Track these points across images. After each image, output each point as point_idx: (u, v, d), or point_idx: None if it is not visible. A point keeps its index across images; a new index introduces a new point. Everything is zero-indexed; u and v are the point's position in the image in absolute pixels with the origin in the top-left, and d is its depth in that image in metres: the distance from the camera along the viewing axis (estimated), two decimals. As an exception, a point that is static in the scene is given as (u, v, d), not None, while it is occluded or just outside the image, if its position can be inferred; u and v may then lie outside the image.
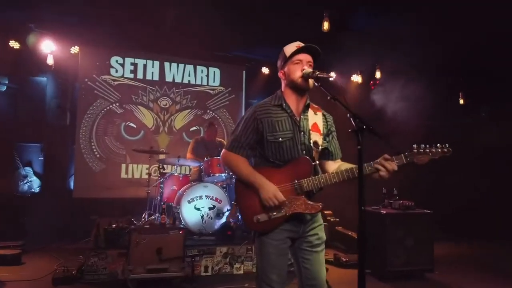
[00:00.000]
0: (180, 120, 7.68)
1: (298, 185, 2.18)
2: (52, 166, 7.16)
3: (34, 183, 7.28)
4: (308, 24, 5.75)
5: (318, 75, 2.17)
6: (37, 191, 7.25)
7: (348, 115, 1.94)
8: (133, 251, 3.97)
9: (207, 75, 7.90)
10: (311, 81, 2.24)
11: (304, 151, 2.24)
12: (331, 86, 1.99)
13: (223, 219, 5.04)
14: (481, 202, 6.86)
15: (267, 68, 7.72)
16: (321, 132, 2.32)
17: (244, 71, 8.16)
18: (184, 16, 6.16)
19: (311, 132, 2.27)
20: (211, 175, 5.24)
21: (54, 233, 6.14)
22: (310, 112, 2.34)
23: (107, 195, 7.00)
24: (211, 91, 7.93)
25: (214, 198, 5.06)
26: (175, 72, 7.68)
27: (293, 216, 2.19)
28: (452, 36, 5.50)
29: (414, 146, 2.10)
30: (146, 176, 5.91)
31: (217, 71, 7.96)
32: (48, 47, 6.37)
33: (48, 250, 5.42)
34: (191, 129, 7.71)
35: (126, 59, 7.38)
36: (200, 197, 5.00)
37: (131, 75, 7.37)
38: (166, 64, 7.63)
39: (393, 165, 2.07)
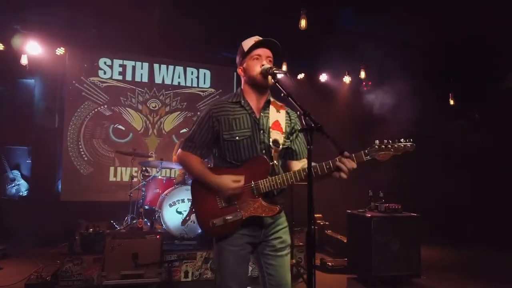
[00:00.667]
0: (170, 122, 7.58)
1: (255, 186, 2.07)
2: (40, 169, 7.07)
3: (22, 187, 7.22)
4: (298, 24, 5.65)
5: (275, 71, 2.07)
6: (25, 194, 7.18)
7: (297, 113, 1.83)
8: (108, 256, 3.87)
9: (197, 77, 7.81)
10: (270, 77, 2.14)
11: (264, 150, 2.13)
12: (291, 84, 1.90)
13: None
14: (472, 206, 6.70)
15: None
16: (283, 130, 2.20)
17: (235, 73, 8.05)
18: (174, 16, 6.09)
19: (271, 130, 2.16)
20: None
21: (41, 237, 6.05)
22: (272, 109, 2.23)
23: (96, 198, 6.90)
24: (202, 93, 7.84)
25: (196, 202, 4.94)
26: (165, 73, 7.59)
27: (251, 220, 2.08)
28: (440, 36, 5.38)
29: (376, 141, 1.97)
30: (134, 179, 5.80)
31: (208, 72, 7.88)
32: (33, 49, 6.28)
33: (30, 255, 5.31)
34: (181, 132, 7.60)
35: (115, 60, 7.30)
36: (182, 200, 4.89)
37: (120, 77, 7.29)
38: (156, 65, 7.54)
39: (351, 163, 1.94)
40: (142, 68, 7.45)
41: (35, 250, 5.57)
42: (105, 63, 7.24)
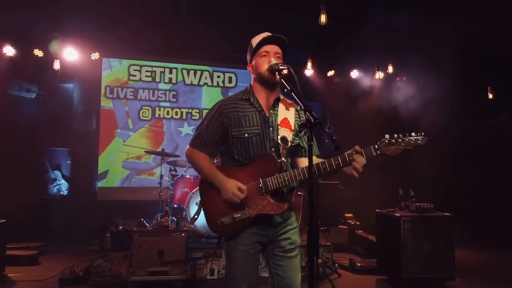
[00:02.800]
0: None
1: (263, 184, 2.05)
2: (79, 170, 7.41)
3: (62, 186, 7.56)
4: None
5: (280, 67, 2.06)
6: (66, 193, 7.53)
7: (298, 108, 1.81)
8: (135, 253, 3.98)
9: (223, 81, 7.85)
10: (278, 74, 2.12)
11: (273, 148, 2.12)
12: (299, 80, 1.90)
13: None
14: (510, 206, 6.28)
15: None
16: (292, 128, 2.18)
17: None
18: (198, 20, 6.20)
19: (279, 127, 2.14)
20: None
21: (79, 234, 6.32)
22: (281, 107, 2.22)
23: (130, 197, 7.13)
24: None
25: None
26: (193, 77, 7.70)
27: (260, 219, 2.07)
28: (474, 25, 5.10)
29: (386, 136, 1.94)
30: (167, 179, 5.91)
31: (233, 76, 7.89)
32: (70, 55, 6.57)
33: (68, 251, 5.56)
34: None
35: (144, 64, 7.47)
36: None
37: (149, 79, 7.47)
38: (184, 70, 7.66)
39: (361, 159, 1.92)
40: (170, 73, 7.58)
41: (72, 246, 5.81)
42: (135, 67, 7.43)
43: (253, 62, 2.20)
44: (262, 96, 2.20)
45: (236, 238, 2.09)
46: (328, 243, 4.98)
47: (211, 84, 7.78)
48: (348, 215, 6.50)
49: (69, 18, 6.31)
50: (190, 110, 7.64)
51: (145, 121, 7.45)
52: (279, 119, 2.17)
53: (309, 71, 7.63)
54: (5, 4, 5.45)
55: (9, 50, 6.33)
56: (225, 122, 2.13)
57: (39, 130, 7.12)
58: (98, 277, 4.20)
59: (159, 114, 7.50)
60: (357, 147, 1.94)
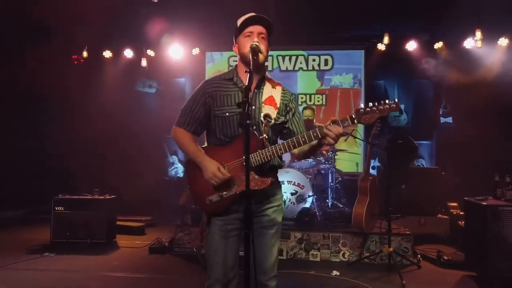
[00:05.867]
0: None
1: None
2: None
3: (179, 169, 8.55)
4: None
5: (253, 47, 2.05)
6: (182, 176, 8.50)
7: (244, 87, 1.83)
8: (204, 229, 4.33)
9: (319, 64, 7.67)
10: (261, 55, 2.12)
11: (254, 126, 2.13)
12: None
13: (305, 205, 4.97)
14: None
15: (382, 45, 7.01)
16: (277, 106, 2.18)
17: (363, 51, 7.60)
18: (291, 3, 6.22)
19: (264, 105, 2.16)
20: (296, 160, 5.21)
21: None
22: (267, 85, 2.23)
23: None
24: (326, 79, 7.70)
25: (296, 184, 5.04)
26: (288, 63, 7.77)
27: (244, 196, 2.09)
28: None
29: (362, 105, 1.97)
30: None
31: (329, 58, 7.63)
32: (176, 52, 7.35)
33: (171, 225, 6.29)
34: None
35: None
36: (282, 182, 5.04)
37: (246, 69, 7.81)
38: (279, 57, 7.78)
39: (338, 128, 1.94)
40: (266, 60, 7.77)
41: (176, 221, 6.55)
42: (234, 58, 7.86)
43: (238, 43, 2.22)
44: (245, 76, 2.15)
45: (219, 214, 2.14)
46: (407, 232, 4.58)
47: (306, 69, 7.73)
48: (452, 204, 5.77)
49: (176, 19, 7.02)
50: (286, 96, 7.75)
51: (245, 109, 7.84)
52: (264, 97, 2.18)
53: (411, 45, 6.96)
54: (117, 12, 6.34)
55: (128, 53, 7.42)
56: (208, 101, 2.18)
57: (159, 120, 8.16)
58: (180, 248, 4.75)
59: (258, 102, 7.80)
60: (333, 118, 1.98)
